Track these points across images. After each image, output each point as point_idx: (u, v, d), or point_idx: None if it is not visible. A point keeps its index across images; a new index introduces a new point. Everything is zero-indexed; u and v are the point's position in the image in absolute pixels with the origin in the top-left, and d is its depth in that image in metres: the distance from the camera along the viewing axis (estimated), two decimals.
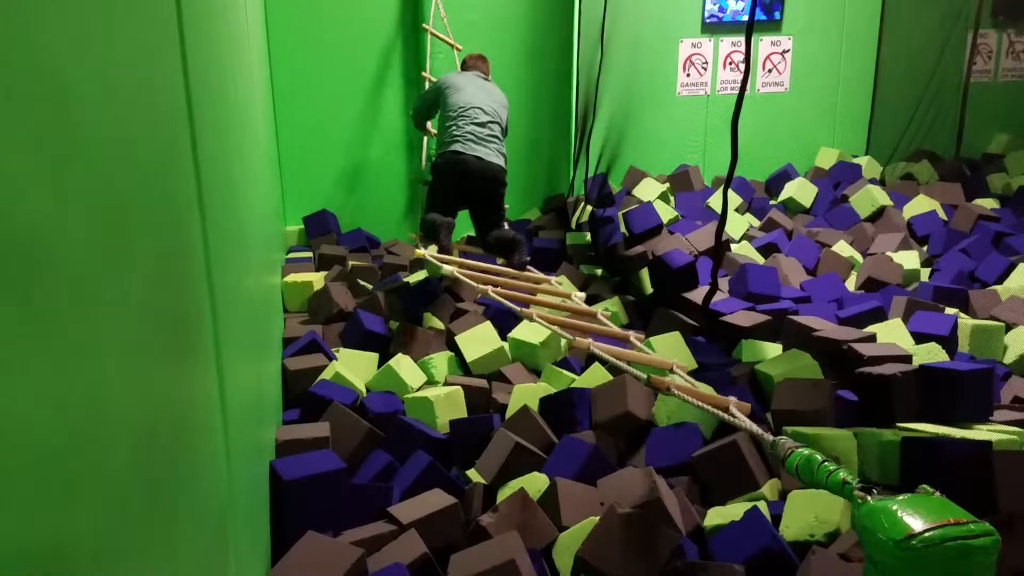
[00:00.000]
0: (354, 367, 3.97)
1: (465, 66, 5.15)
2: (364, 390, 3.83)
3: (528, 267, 4.83)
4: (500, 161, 4.78)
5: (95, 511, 0.94)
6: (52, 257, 0.85)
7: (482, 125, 4.73)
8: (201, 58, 1.96)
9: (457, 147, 4.69)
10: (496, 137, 4.80)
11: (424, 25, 5.96)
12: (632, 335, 3.63)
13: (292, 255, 5.73)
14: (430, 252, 4.52)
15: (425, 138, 5.58)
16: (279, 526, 2.76)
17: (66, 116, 0.92)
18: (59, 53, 0.91)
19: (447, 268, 4.28)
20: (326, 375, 3.74)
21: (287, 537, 2.64)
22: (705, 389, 3.26)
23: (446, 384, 3.89)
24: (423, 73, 5.77)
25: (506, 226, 5.02)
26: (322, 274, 5.17)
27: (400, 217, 6.61)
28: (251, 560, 2.19)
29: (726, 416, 2.79)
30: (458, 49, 5.84)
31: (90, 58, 1.02)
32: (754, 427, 2.72)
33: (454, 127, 4.73)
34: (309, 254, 5.72)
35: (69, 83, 0.93)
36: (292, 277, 4.98)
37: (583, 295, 4.40)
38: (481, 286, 3.98)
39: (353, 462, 3.26)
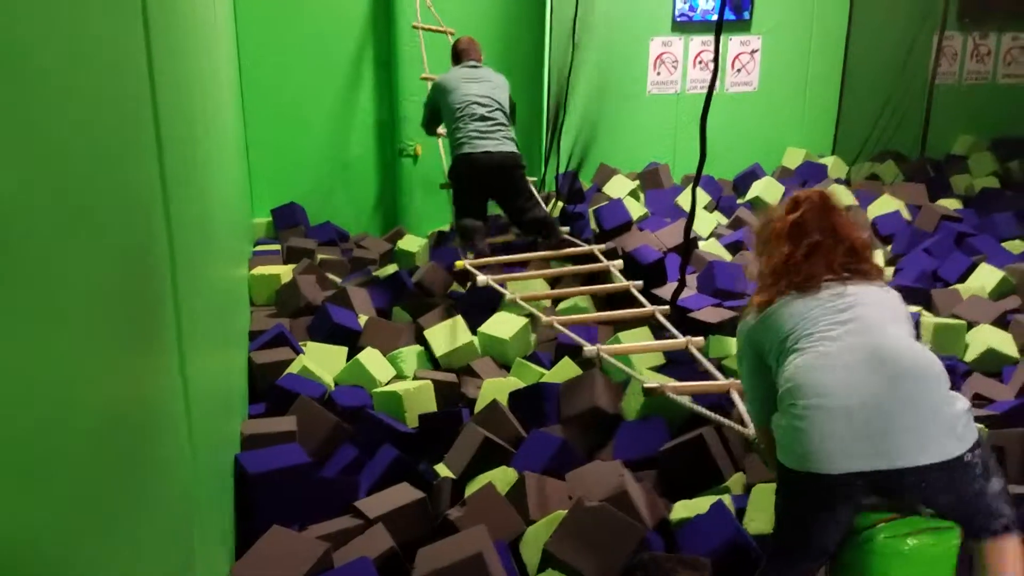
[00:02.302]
0: (322, 361, 3.93)
1: (456, 57, 5.10)
2: (332, 384, 3.80)
3: (565, 238, 4.91)
4: (510, 147, 4.79)
5: (57, 501, 0.92)
6: (15, 244, 0.83)
7: (482, 119, 4.72)
8: (166, 45, 1.93)
9: (466, 149, 4.70)
10: (501, 124, 4.78)
11: (413, 24, 5.87)
12: (688, 341, 3.57)
13: (260, 247, 5.67)
14: (470, 262, 4.55)
15: (440, 141, 5.52)
16: (244, 520, 2.73)
17: (29, 101, 0.90)
18: (25, 38, 0.89)
19: (482, 278, 4.27)
20: (293, 368, 3.71)
21: (252, 531, 2.61)
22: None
23: (415, 378, 3.87)
24: (422, 76, 5.67)
25: (539, 200, 5.04)
26: (290, 267, 5.12)
27: (371, 211, 6.57)
28: (216, 553, 2.17)
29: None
30: (451, 33, 5.75)
31: (55, 44, 1.00)
32: (731, 424, 2.77)
33: (457, 130, 4.75)
34: (277, 247, 5.66)
35: (33, 67, 0.91)
36: (260, 270, 4.93)
37: (619, 263, 4.52)
38: (546, 318, 3.89)
39: (320, 456, 3.24)
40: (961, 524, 1.97)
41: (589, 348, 3.50)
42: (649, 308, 3.99)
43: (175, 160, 1.89)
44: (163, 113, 1.75)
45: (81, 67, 1.12)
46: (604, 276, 4.63)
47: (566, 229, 5.02)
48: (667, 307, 4.04)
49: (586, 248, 4.81)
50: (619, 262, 4.56)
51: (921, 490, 1.90)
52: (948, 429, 1.88)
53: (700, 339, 3.63)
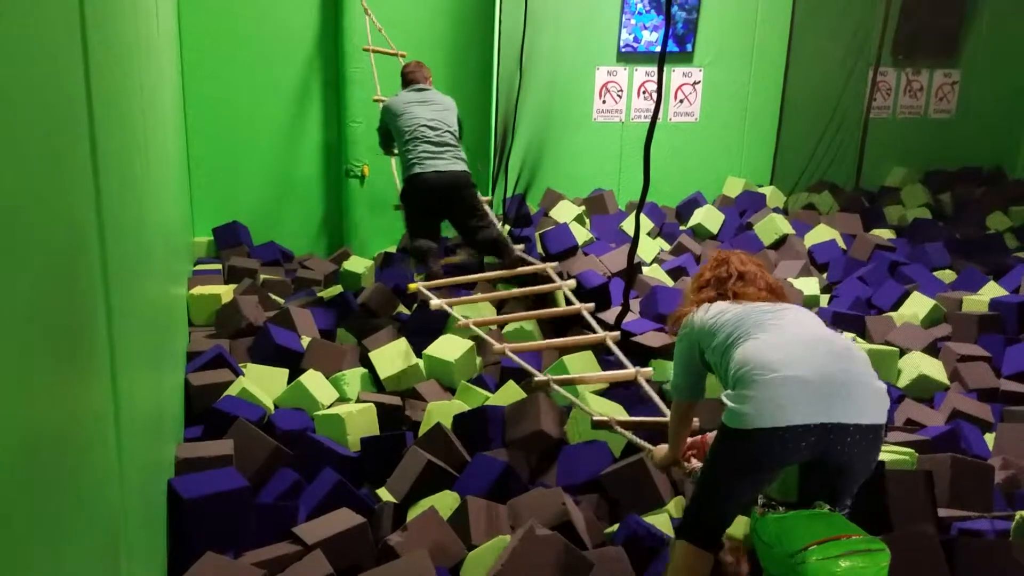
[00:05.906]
0: (262, 383, 3.86)
1: (405, 81, 5.12)
2: (272, 407, 3.73)
3: (519, 256, 4.96)
4: (461, 166, 4.85)
5: None
6: None
7: (432, 140, 4.78)
8: (104, 59, 1.90)
9: (416, 170, 4.74)
10: (450, 145, 4.84)
11: (364, 47, 5.88)
12: (638, 372, 3.68)
13: (200, 267, 5.55)
14: (423, 283, 4.59)
15: (393, 161, 5.54)
16: (178, 547, 2.65)
17: None
18: None
19: (435, 302, 4.37)
20: (232, 391, 3.62)
21: (186, 558, 2.53)
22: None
23: (359, 401, 3.82)
24: (375, 98, 5.69)
25: (492, 220, 5.08)
26: (231, 287, 5.03)
27: (316, 231, 6.50)
28: None
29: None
30: (403, 56, 5.77)
31: None
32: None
33: (408, 152, 4.80)
34: (218, 266, 5.55)
35: None
36: (199, 289, 4.83)
37: (572, 283, 4.63)
38: (498, 345, 4.02)
39: (258, 481, 3.16)
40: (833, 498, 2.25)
41: (540, 378, 3.58)
42: (601, 334, 4.06)
43: (110, 175, 1.84)
44: (100, 129, 1.71)
45: (12, 78, 1.09)
46: (554, 296, 4.67)
47: (520, 247, 5.06)
48: (617, 333, 4.12)
49: (540, 266, 4.86)
50: (572, 282, 4.63)
51: (851, 450, 2.14)
52: (880, 399, 2.17)
53: (649, 370, 3.70)
